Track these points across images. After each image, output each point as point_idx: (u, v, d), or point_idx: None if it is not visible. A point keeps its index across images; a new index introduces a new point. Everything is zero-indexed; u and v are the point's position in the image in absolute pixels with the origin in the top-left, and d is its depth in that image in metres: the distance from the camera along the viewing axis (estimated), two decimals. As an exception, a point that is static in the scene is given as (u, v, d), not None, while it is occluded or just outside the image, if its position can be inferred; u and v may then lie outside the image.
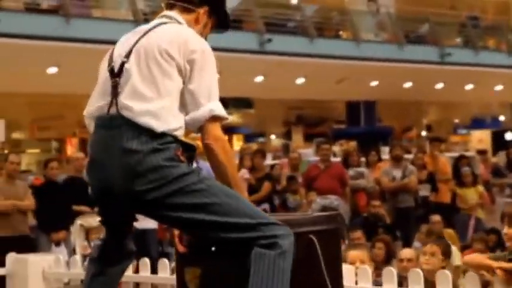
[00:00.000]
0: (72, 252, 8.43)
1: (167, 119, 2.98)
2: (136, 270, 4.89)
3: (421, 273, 3.94)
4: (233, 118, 23.94)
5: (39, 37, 13.71)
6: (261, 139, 27.43)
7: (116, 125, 3.01)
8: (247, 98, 21.04)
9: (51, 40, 13.87)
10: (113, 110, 3.05)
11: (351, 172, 11.10)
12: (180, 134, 3.02)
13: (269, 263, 2.90)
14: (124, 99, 3.03)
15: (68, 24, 14.09)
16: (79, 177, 8.74)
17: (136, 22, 13.87)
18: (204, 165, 9.73)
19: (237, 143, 24.04)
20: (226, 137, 3.11)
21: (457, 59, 20.63)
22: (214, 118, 3.04)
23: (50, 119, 20.48)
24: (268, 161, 14.00)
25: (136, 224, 8.85)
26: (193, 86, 3.04)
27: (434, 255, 4.85)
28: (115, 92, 3.07)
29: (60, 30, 14.00)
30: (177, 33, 3.11)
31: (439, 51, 20.65)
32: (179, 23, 3.23)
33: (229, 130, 26.90)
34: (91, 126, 3.18)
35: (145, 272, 4.77)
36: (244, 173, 10.52)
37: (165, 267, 4.68)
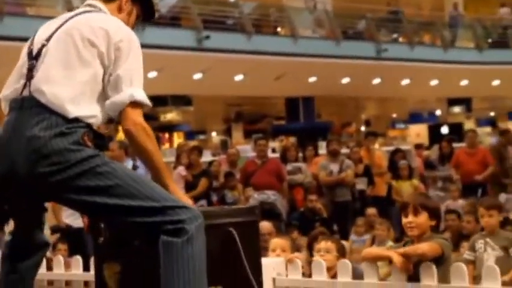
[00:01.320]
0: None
1: (79, 106, 2.96)
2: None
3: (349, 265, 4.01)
4: (173, 115, 23.85)
5: (-29, 35, 13.49)
6: (201, 136, 27.43)
7: (27, 106, 2.98)
8: (186, 95, 20.99)
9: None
10: (26, 92, 3.03)
11: (289, 167, 11.17)
12: (92, 121, 3.00)
13: (177, 252, 2.87)
14: (38, 82, 3.00)
15: (2, 22, 13.86)
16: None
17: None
18: (141, 163, 9.56)
19: (178, 140, 24.00)
20: (146, 124, 3.04)
21: (393, 55, 20.92)
22: (135, 104, 3.01)
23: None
24: (208, 157, 14.01)
25: (73, 223, 8.78)
26: (115, 73, 3.01)
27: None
28: (30, 74, 3.05)
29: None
30: (102, 23, 3.08)
31: (375, 46, 20.91)
32: (103, 12, 3.21)
33: (170, 128, 26.83)
34: (6, 109, 3.14)
35: (76, 269, 4.73)
36: (181, 170, 10.51)
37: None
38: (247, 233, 3.29)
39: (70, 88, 2.98)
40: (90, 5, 3.25)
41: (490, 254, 5.46)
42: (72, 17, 3.14)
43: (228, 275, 2.98)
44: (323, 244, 5.03)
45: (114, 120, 3.10)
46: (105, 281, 3.26)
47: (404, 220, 4.09)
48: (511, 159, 11.89)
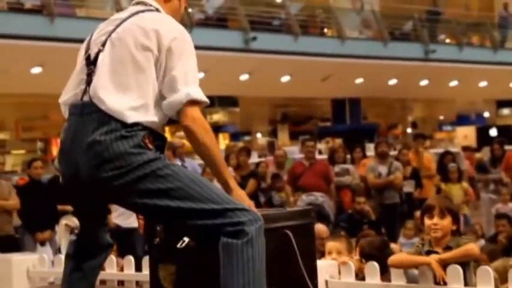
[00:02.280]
0: (57, 251, 8.41)
1: (138, 111, 2.97)
2: (122, 269, 4.89)
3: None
4: (219, 116, 23.93)
5: (23, 37, 13.67)
6: (247, 137, 27.45)
7: (87, 112, 3.00)
8: (232, 96, 21.06)
9: (35, 40, 13.84)
10: (86, 98, 3.05)
11: (337, 169, 11.11)
12: (151, 125, 3.00)
13: (237, 253, 2.88)
14: (96, 88, 3.02)
15: (52, 24, 14.06)
16: (64, 176, 8.70)
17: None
18: (190, 163, 9.67)
19: (223, 141, 24.04)
20: (205, 120, 3.05)
21: (441, 56, 20.71)
22: (193, 102, 3.01)
23: (34, 120, 20.43)
24: (254, 159, 14.00)
25: (123, 223, 8.87)
26: (170, 74, 3.01)
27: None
28: (89, 79, 3.06)
29: (44, 30, 13.97)
30: (154, 24, 3.07)
31: (423, 47, 20.72)
32: (156, 9, 3.20)
33: (215, 129, 26.91)
34: (66, 113, 3.17)
35: (129, 269, 4.76)
36: (230, 171, 10.50)
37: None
38: (303, 236, 3.27)
39: (128, 94, 2.99)
40: (141, 3, 3.24)
41: None
42: (125, 19, 3.13)
43: (284, 277, 2.97)
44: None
45: (175, 120, 3.10)
46: (161, 282, 3.26)
47: (428, 222, 4.12)
48: None
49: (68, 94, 3.16)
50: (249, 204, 3.05)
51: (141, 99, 2.99)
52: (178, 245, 3.09)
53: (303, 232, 3.29)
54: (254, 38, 17.10)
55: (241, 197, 3.07)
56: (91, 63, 3.09)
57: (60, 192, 8.39)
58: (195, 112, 3.01)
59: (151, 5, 3.21)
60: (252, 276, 2.88)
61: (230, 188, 3.06)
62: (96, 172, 2.92)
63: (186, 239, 3.08)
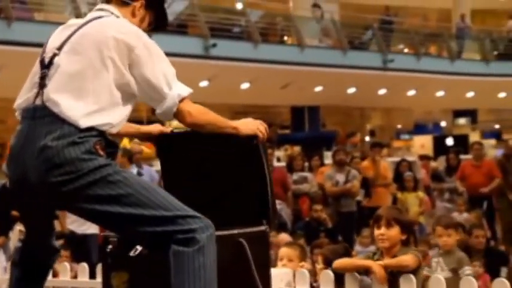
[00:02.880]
0: (10, 257, 8.30)
1: (93, 115, 2.94)
2: (76, 276, 4.86)
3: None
4: (178, 123, 23.85)
5: (-21, 40, 13.52)
6: (206, 144, 27.35)
7: (39, 115, 2.97)
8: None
9: (-8, 43, 13.68)
10: (38, 101, 3.01)
11: (295, 177, 11.15)
12: (107, 129, 2.98)
13: (188, 261, 2.86)
14: (50, 91, 2.98)
15: (10, 28, 13.90)
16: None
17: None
18: (147, 169, 9.58)
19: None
20: (196, 106, 3.13)
21: (400, 65, 20.93)
22: (183, 100, 3.06)
23: (-10, 124, 20.17)
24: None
25: (77, 229, 8.78)
26: (149, 82, 3.01)
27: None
28: (42, 83, 3.03)
29: (2, 33, 13.81)
30: (114, 30, 3.04)
31: (381, 57, 20.92)
32: (115, 16, 3.18)
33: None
34: (19, 118, 3.13)
35: (83, 277, 4.72)
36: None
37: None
38: (258, 244, 3.27)
39: (82, 96, 2.96)
40: (101, 9, 3.22)
41: (439, 274, 5.43)
42: (84, 25, 3.11)
43: (238, 286, 2.97)
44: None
45: (163, 122, 3.12)
46: (113, 289, 3.24)
47: (376, 232, 4.19)
48: None
49: (21, 98, 3.12)
50: (255, 123, 3.28)
51: (96, 104, 2.96)
52: (131, 253, 3.08)
53: (258, 240, 3.29)
54: (214, 45, 17.11)
55: (246, 123, 3.28)
56: (45, 66, 3.05)
57: (14, 198, 8.29)
58: (189, 107, 3.07)
59: (112, 13, 3.19)
60: (204, 284, 2.88)
61: (235, 126, 3.25)
62: (45, 177, 2.88)
63: (139, 247, 3.07)
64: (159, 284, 3.08)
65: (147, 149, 13.72)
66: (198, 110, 3.10)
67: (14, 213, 8.63)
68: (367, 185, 11.25)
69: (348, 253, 5.13)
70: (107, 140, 2.99)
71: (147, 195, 2.92)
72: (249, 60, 17.87)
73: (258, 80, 18.61)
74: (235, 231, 3.09)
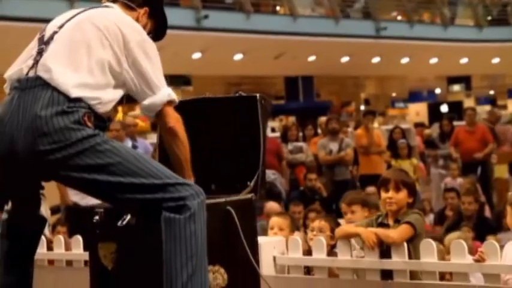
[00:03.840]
0: None
1: (83, 87, 2.97)
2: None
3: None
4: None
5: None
6: (201, 116, 27.31)
7: (31, 86, 2.98)
8: (185, 75, 20.95)
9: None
10: (32, 73, 3.03)
11: (290, 147, 11.17)
12: (94, 103, 2.99)
13: (180, 228, 2.89)
14: (45, 60, 3.01)
15: (0, 3, 13.80)
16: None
17: (70, 1, 13.68)
18: (141, 142, 9.57)
19: (177, 120, 23.89)
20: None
21: (393, 33, 20.86)
22: (170, 102, 3.09)
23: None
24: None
25: (81, 201, 8.70)
26: (143, 74, 3.06)
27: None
28: (38, 57, 3.05)
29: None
30: (118, 19, 3.11)
31: (374, 25, 20.85)
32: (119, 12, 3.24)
33: (169, 108, 26.76)
34: (8, 88, 3.14)
35: (77, 249, 4.75)
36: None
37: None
38: (244, 211, 3.30)
39: (76, 69, 2.99)
40: (108, 6, 3.28)
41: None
42: (89, 9, 3.18)
43: (227, 254, 2.99)
44: (317, 223, 5.06)
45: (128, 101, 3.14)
46: (101, 261, 3.25)
47: (384, 195, 4.22)
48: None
49: (14, 69, 3.13)
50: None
51: (89, 79, 2.98)
52: (118, 223, 3.09)
53: (244, 208, 3.31)
54: (206, 16, 17.03)
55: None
56: (43, 42, 3.09)
57: None
58: (175, 113, 3.10)
59: (113, 8, 3.26)
60: (195, 250, 2.90)
61: (190, 176, 3.14)
62: (33, 146, 2.89)
63: (127, 217, 3.09)
64: (146, 253, 3.11)
65: (141, 122, 13.74)
66: (182, 125, 3.11)
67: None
68: (355, 153, 11.25)
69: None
70: (95, 114, 3.00)
71: (137, 163, 2.94)
72: (241, 31, 17.79)
73: (251, 51, 18.56)
74: (223, 200, 3.11)
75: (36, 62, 3.04)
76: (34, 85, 2.97)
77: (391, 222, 4.19)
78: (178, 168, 3.12)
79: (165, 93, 3.07)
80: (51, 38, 3.08)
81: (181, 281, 2.87)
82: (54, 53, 3.02)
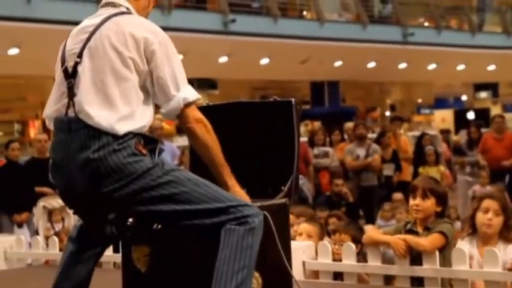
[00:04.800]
0: (34, 233, 8.40)
1: (127, 121, 2.95)
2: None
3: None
4: (199, 101, 23.83)
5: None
6: (226, 120, 27.34)
7: (75, 128, 2.97)
8: (211, 78, 21.00)
9: (12, 21, 13.68)
10: (71, 112, 3.01)
11: (316, 151, 11.15)
12: (141, 130, 3.00)
13: (238, 238, 2.92)
14: (81, 103, 2.98)
15: (29, 4, 13.90)
16: (41, 158, 8.67)
17: (99, 2, 13.72)
18: (168, 145, 9.66)
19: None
20: (205, 119, 3.07)
21: (420, 39, 20.77)
22: (189, 103, 3.04)
23: (12, 101, 20.26)
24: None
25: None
26: (158, 80, 3.01)
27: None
28: (71, 93, 3.02)
29: (21, 11, 13.81)
30: (131, 28, 3.03)
31: (402, 31, 20.78)
32: (125, 7, 3.16)
33: (194, 111, 26.79)
34: (51, 126, 3.14)
35: (107, 251, 4.75)
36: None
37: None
38: (279, 216, 3.29)
39: (113, 106, 2.96)
40: (111, 4, 3.19)
41: None
42: (98, 26, 3.07)
43: (261, 259, 2.99)
44: (337, 236, 5.06)
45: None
46: (134, 263, 3.25)
47: (411, 202, 4.20)
48: None
49: (52, 108, 3.12)
50: (247, 200, 3.10)
51: (127, 108, 2.96)
52: (154, 226, 3.10)
53: (279, 213, 3.30)
54: (233, 20, 17.05)
55: (239, 195, 3.11)
56: (70, 76, 3.05)
57: (38, 175, 8.38)
58: (195, 113, 3.05)
59: (121, 5, 3.17)
60: (248, 263, 2.93)
61: (229, 187, 3.10)
62: (95, 188, 2.92)
63: None
64: (180, 257, 3.11)
65: (167, 125, 13.78)
66: (206, 124, 3.06)
67: (38, 189, 8.75)
68: (397, 159, 11.19)
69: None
70: (144, 138, 3.01)
71: (199, 190, 2.97)
72: (268, 36, 17.79)
73: (278, 55, 18.56)
74: (258, 204, 3.10)
75: (71, 99, 3.02)
76: (78, 127, 2.96)
77: (420, 229, 4.17)
78: (211, 170, 3.11)
79: (180, 98, 3.01)
80: (75, 70, 3.03)
81: None
82: (85, 92, 2.98)
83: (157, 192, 2.94)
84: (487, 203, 4.11)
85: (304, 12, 20.51)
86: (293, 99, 3.59)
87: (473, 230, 4.14)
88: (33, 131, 19.53)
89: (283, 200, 3.40)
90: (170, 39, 3.09)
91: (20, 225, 8.83)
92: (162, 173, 2.95)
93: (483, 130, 13.48)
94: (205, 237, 3.03)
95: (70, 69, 3.05)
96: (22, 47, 14.44)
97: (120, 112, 2.95)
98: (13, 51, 14.63)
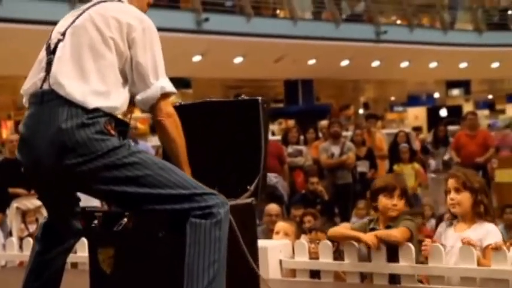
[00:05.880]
0: (8, 235, 8.32)
1: (98, 97, 2.95)
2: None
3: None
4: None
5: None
6: (200, 119, 27.29)
7: (47, 99, 2.98)
8: (185, 77, 20.96)
9: (-17, 20, 13.57)
10: (45, 86, 3.03)
11: (290, 149, 11.15)
12: (112, 110, 2.98)
13: (205, 233, 2.90)
14: (55, 75, 3.00)
15: (0, 5, 13.79)
16: (14, 159, 8.57)
17: (71, 2, 13.67)
18: (143, 145, 9.62)
19: (176, 123, 23.86)
20: (176, 115, 3.08)
21: (393, 37, 20.87)
22: (165, 95, 3.05)
23: (-17, 102, 20.09)
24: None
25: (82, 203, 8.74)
26: (138, 66, 3.02)
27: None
28: (49, 68, 3.04)
29: (-8, 10, 13.71)
30: (116, 13, 3.06)
31: (374, 29, 20.86)
32: (118, 0, 3.19)
33: (168, 110, 26.71)
34: (27, 103, 3.15)
35: (82, 252, 4.73)
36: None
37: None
38: (244, 216, 3.30)
39: (87, 78, 2.97)
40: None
41: None
42: (87, 9, 3.13)
43: (229, 259, 2.98)
44: (314, 235, 5.07)
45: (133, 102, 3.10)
46: (100, 265, 3.23)
47: (387, 201, 4.21)
48: None
49: (28, 83, 3.14)
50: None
51: (101, 85, 2.97)
52: (115, 228, 3.09)
53: (244, 212, 3.31)
54: (206, 19, 17.03)
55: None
56: (51, 52, 3.08)
57: (11, 175, 8.30)
58: (169, 107, 3.06)
59: None
60: (218, 256, 2.91)
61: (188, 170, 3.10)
62: (60, 160, 2.90)
63: (123, 222, 3.09)
64: (143, 258, 3.10)
65: (141, 125, 13.74)
66: (176, 120, 3.07)
67: (11, 190, 8.67)
68: (371, 156, 11.22)
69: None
70: (116, 119, 3.00)
71: (164, 174, 2.95)
72: (241, 34, 17.79)
73: (251, 54, 18.56)
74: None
75: (47, 74, 3.04)
76: (50, 98, 2.97)
77: (382, 227, 4.20)
78: (173, 163, 3.10)
79: (158, 87, 3.02)
80: (56, 46, 3.07)
81: (202, 286, 2.87)
82: (62, 65, 3.01)
83: (121, 172, 2.92)
84: (448, 183, 4.13)
85: (277, 11, 20.53)
86: (260, 98, 3.59)
87: (451, 213, 4.15)
88: (6, 132, 19.37)
89: (249, 200, 3.39)
90: (154, 27, 3.09)
91: (-7, 227, 8.76)
92: (128, 154, 2.94)
93: (453, 128, 13.55)
94: (169, 227, 3.00)
95: (52, 46, 3.08)
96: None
97: (94, 86, 2.96)
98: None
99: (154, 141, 13.06)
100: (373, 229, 4.21)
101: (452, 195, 4.07)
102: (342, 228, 4.49)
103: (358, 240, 4.13)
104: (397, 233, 4.03)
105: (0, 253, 5.64)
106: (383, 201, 4.21)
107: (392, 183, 4.27)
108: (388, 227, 4.16)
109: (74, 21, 3.10)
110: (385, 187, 4.25)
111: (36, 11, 12.94)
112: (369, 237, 4.07)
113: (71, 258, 4.78)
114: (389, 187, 4.23)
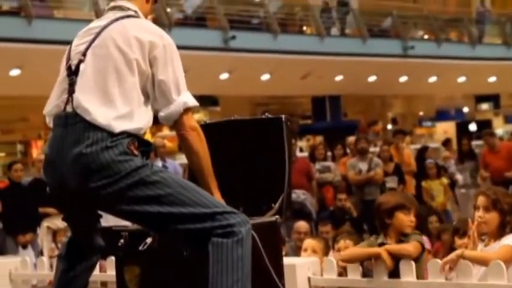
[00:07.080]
0: (39, 254, 8.39)
1: (123, 121, 2.98)
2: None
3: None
4: (200, 116, 23.90)
5: (0, 39, 13.59)
6: (228, 136, 27.32)
7: (71, 122, 3.01)
8: (212, 95, 21.03)
9: (13, 42, 13.76)
10: (69, 108, 3.05)
11: (318, 166, 11.14)
12: (137, 131, 3.01)
13: (227, 252, 2.91)
14: (80, 99, 3.02)
15: (30, 26, 13.98)
16: (44, 178, 8.68)
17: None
18: (171, 163, 9.67)
19: (204, 141, 23.90)
20: (200, 129, 3.10)
21: (420, 52, 20.80)
22: (188, 109, 3.07)
23: (14, 122, 20.30)
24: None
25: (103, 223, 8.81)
26: (160, 83, 3.04)
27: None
28: (71, 90, 3.06)
29: (22, 32, 13.89)
30: (136, 31, 3.07)
31: (401, 44, 20.81)
32: (132, 11, 3.20)
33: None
34: (51, 124, 3.18)
35: (112, 270, 4.75)
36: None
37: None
38: (269, 234, 3.29)
39: (112, 104, 2.99)
40: (119, 7, 3.22)
41: None
42: (105, 27, 3.12)
43: (253, 278, 2.97)
44: (342, 243, 5.04)
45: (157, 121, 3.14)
46: (126, 284, 3.26)
47: (405, 218, 4.14)
48: None
49: (51, 105, 3.17)
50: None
51: (125, 107, 2.99)
52: (140, 247, 3.11)
53: (268, 230, 3.30)
54: (233, 37, 17.10)
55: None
56: (72, 73, 3.09)
57: (41, 195, 8.36)
58: (192, 121, 3.08)
59: (129, 9, 3.21)
60: (241, 275, 2.92)
61: (215, 187, 3.13)
62: (84, 183, 2.93)
63: (148, 241, 3.11)
64: (169, 276, 3.11)
65: (170, 143, 13.79)
66: (200, 134, 3.09)
67: (42, 210, 8.75)
68: (400, 172, 11.16)
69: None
70: (139, 139, 3.02)
71: (186, 193, 2.97)
72: (268, 51, 17.85)
73: (278, 71, 18.59)
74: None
75: (70, 95, 3.06)
76: (74, 122, 3.00)
77: (392, 242, 4.17)
78: (198, 179, 3.13)
79: (180, 102, 3.05)
80: (78, 67, 3.08)
81: None
82: (86, 89, 3.02)
83: (143, 191, 2.94)
84: (478, 200, 4.10)
85: (304, 28, 20.55)
86: (283, 116, 3.59)
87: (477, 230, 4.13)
88: (36, 151, 19.54)
89: (274, 218, 3.38)
90: (173, 43, 3.12)
91: (24, 247, 8.84)
92: (150, 173, 2.96)
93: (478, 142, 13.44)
94: (192, 246, 3.02)
95: (73, 67, 3.09)
96: (23, 68, 14.48)
97: (119, 110, 2.98)
98: (15, 72, 14.67)
99: (182, 159, 13.13)
100: (382, 244, 4.19)
101: (481, 213, 4.04)
102: (354, 249, 4.46)
103: (379, 255, 4.09)
104: (410, 247, 4.00)
105: (31, 272, 5.67)
106: (400, 217, 4.20)
107: (410, 200, 4.28)
108: (400, 242, 4.13)
109: (93, 40, 3.10)
110: (403, 204, 4.24)
111: (64, 32, 13.08)
112: (385, 252, 4.04)
113: (101, 276, 4.81)
114: (407, 204, 4.23)
